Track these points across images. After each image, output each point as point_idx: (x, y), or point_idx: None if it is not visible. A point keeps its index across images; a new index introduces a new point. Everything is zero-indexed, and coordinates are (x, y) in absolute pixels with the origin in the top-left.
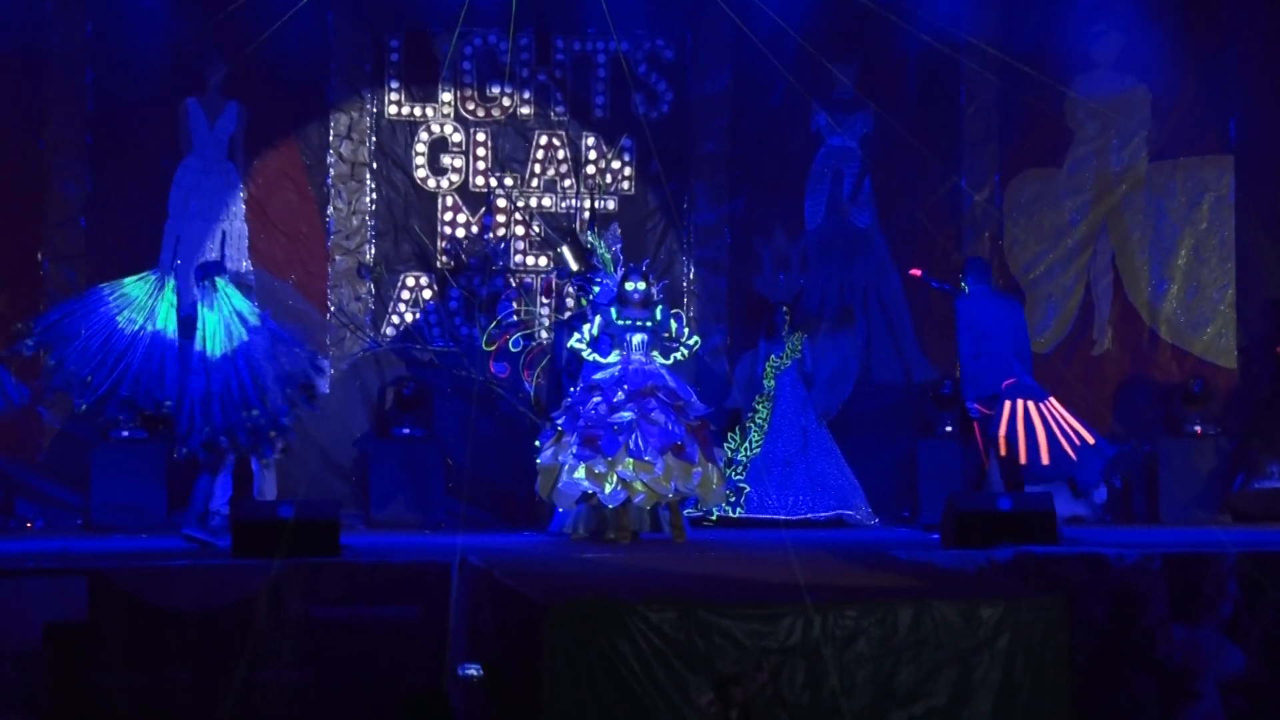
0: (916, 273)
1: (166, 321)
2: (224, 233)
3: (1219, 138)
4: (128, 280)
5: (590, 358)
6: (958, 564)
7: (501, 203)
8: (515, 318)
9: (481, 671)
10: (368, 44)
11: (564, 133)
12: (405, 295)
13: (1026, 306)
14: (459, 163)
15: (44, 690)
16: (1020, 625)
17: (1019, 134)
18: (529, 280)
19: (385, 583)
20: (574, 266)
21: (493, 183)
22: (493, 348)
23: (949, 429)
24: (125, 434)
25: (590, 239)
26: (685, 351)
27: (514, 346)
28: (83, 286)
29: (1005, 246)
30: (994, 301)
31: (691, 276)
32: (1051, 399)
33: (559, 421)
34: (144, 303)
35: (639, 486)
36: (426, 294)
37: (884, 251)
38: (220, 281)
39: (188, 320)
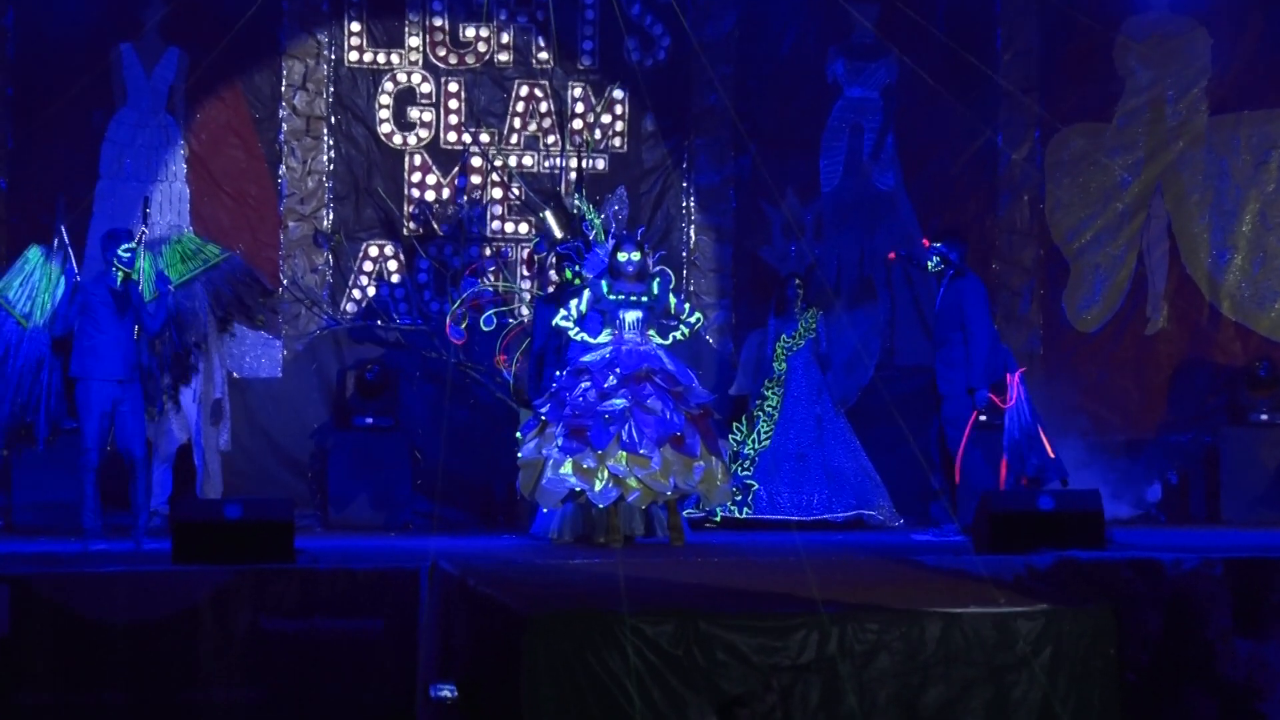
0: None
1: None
2: (160, 196)
3: None
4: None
5: (578, 337)
6: (992, 570)
7: (476, 162)
8: (492, 291)
9: (455, 692)
10: None
11: (547, 83)
12: (368, 266)
13: (1071, 278)
14: (428, 116)
15: None
16: (1063, 639)
17: (1062, 83)
18: (507, 250)
19: (346, 591)
20: (557, 234)
21: (467, 139)
22: (453, 316)
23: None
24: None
25: (577, 203)
26: (685, 330)
27: (486, 325)
28: (3, 256)
29: (1046, 211)
30: None
31: (692, 245)
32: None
33: (543, 410)
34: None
35: (633, 483)
36: (392, 265)
37: (909, 217)
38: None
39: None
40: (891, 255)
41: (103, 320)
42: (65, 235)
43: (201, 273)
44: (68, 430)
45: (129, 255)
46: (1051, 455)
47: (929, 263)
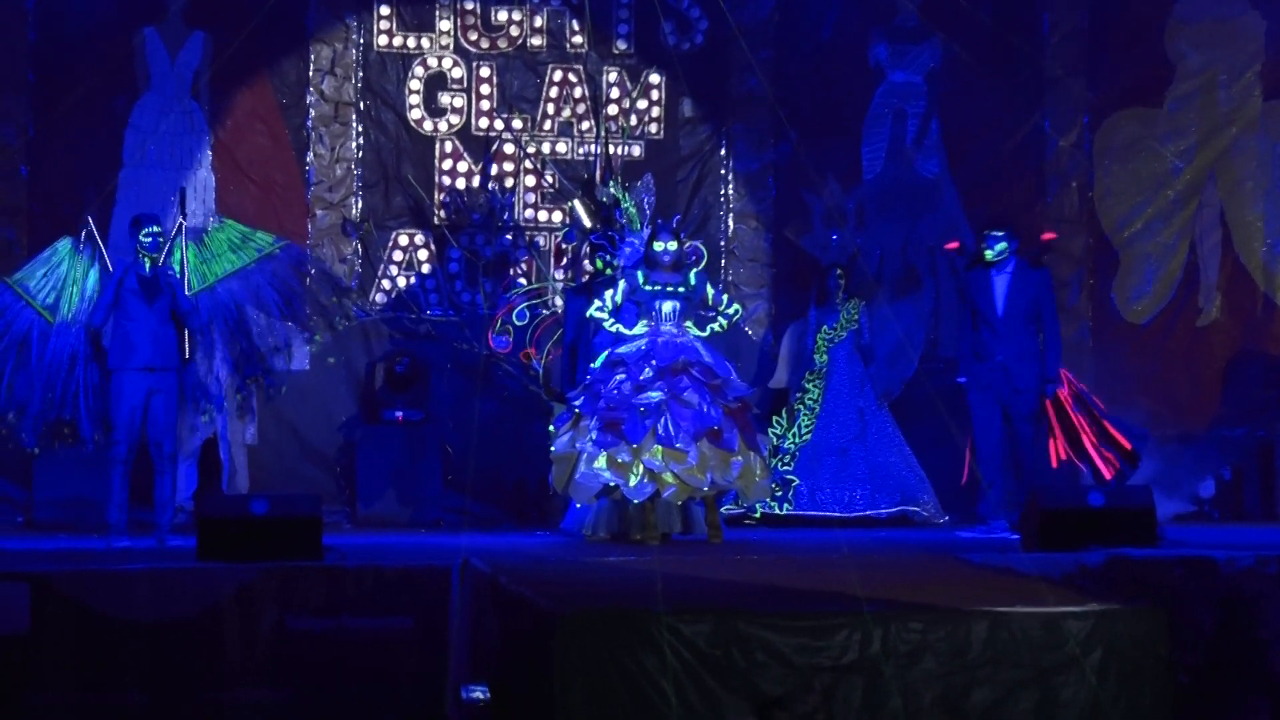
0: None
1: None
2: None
3: None
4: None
5: (613, 329)
6: (1041, 569)
7: (509, 149)
8: (523, 283)
9: (487, 694)
10: None
11: (582, 67)
12: (397, 256)
13: (1121, 268)
14: (459, 102)
15: None
16: (1113, 639)
17: (1112, 67)
18: (540, 239)
19: (374, 590)
20: (586, 224)
21: (499, 125)
22: (496, 327)
23: None
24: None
25: (612, 191)
26: (723, 322)
27: (519, 319)
28: (25, 246)
29: (1096, 199)
30: None
31: (731, 234)
32: None
33: (576, 403)
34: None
35: (669, 479)
36: (422, 255)
37: (954, 205)
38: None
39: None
40: (953, 245)
41: (132, 309)
42: (93, 226)
43: (255, 263)
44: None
45: (151, 240)
46: (1127, 447)
47: (990, 251)
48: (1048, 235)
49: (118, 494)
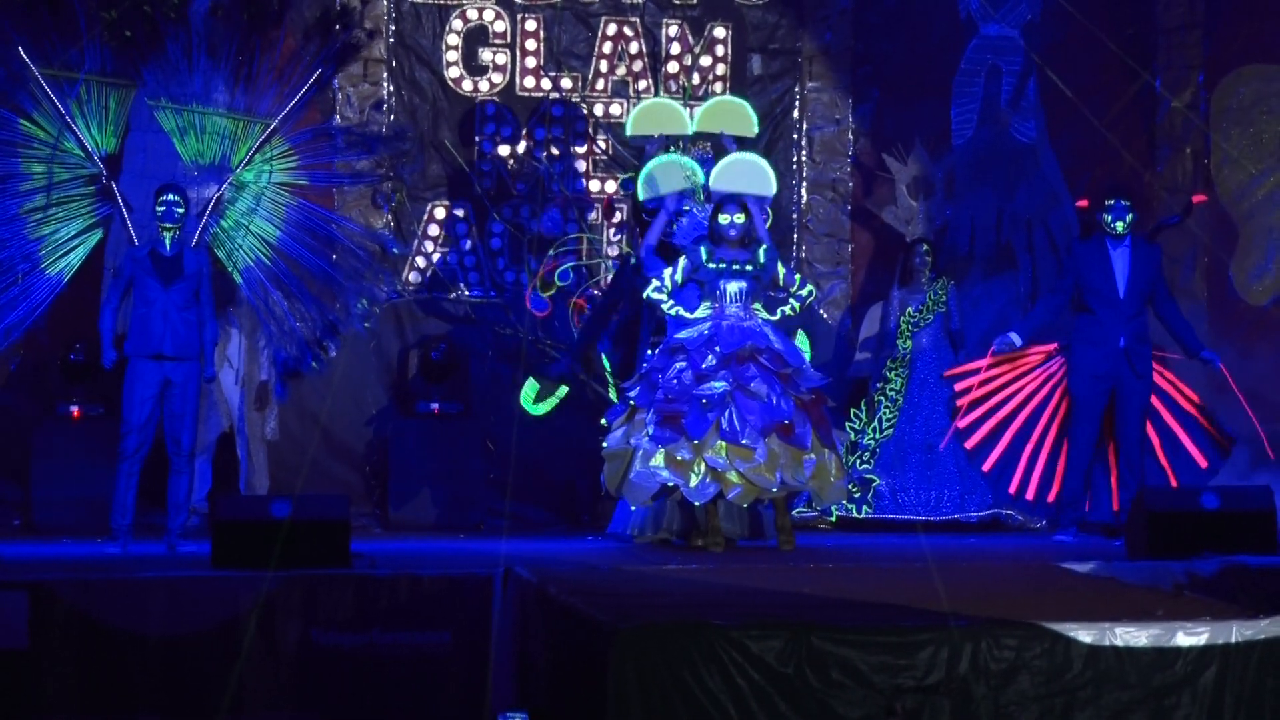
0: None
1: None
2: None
3: None
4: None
5: (672, 312)
6: (1149, 578)
7: (558, 111)
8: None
9: None
10: None
11: (638, 20)
12: (434, 231)
13: (1240, 243)
14: (502, 59)
15: None
16: (1230, 656)
17: (1230, 20)
18: (592, 213)
19: (408, 601)
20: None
21: (546, 85)
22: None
23: None
24: (75, 409)
25: (673, 158)
26: (796, 304)
27: (561, 280)
28: None
29: (1212, 166)
30: None
31: (804, 206)
32: None
33: (631, 394)
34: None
35: (734, 478)
36: (461, 229)
37: (1054, 173)
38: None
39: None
40: (1084, 203)
41: (149, 290)
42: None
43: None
44: (94, 416)
45: (165, 209)
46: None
47: (1120, 222)
48: (1199, 197)
49: (122, 493)
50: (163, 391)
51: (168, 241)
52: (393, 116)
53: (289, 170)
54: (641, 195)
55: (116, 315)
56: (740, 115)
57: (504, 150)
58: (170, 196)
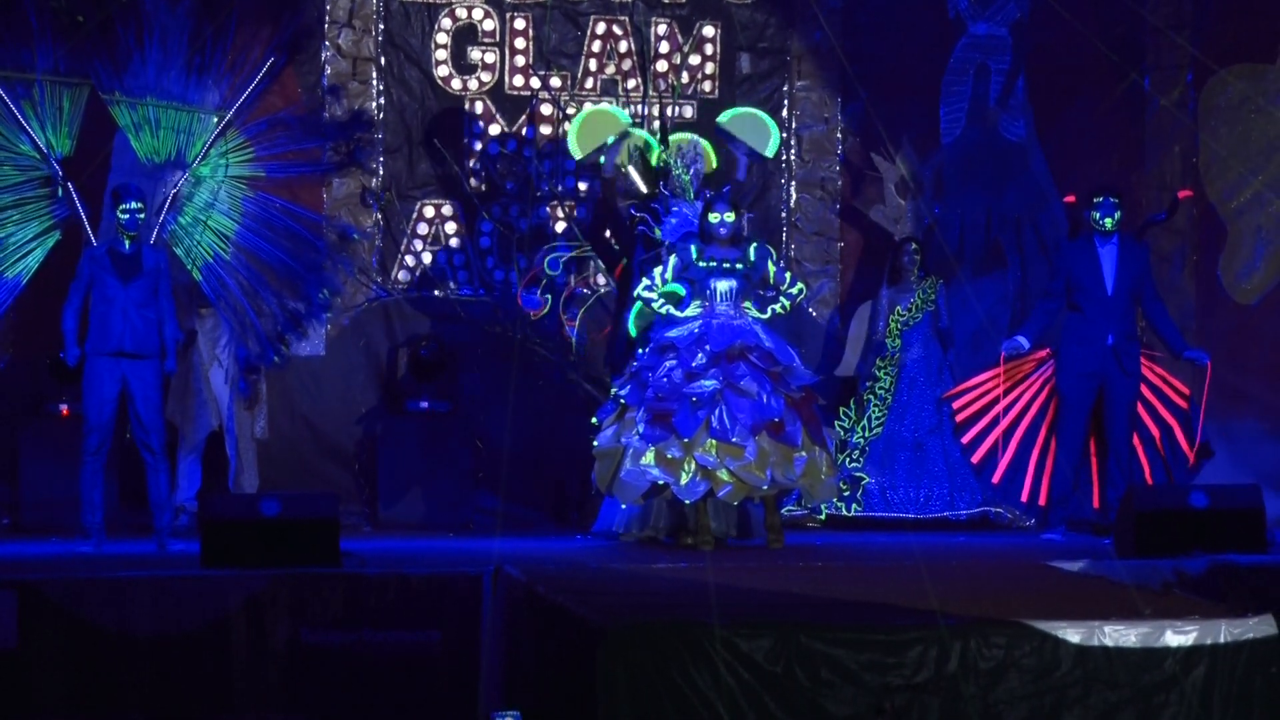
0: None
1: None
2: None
3: None
4: None
5: (663, 310)
6: (1137, 577)
7: (547, 109)
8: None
9: None
10: None
11: (627, 19)
12: (423, 229)
13: (1228, 242)
14: (492, 58)
15: None
16: (1218, 655)
17: (1219, 18)
18: (581, 211)
19: (398, 600)
20: (641, 189)
21: (535, 84)
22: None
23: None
24: (63, 408)
25: (662, 155)
26: (786, 303)
27: (551, 269)
28: None
29: (1200, 165)
30: None
31: (793, 205)
32: None
33: (621, 393)
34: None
35: (724, 477)
36: (450, 227)
37: (1043, 171)
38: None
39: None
40: (1071, 198)
41: (109, 288)
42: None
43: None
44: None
45: (128, 217)
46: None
47: (1110, 220)
48: (1184, 192)
49: (88, 491)
50: (124, 390)
51: (127, 242)
52: (382, 115)
53: (246, 162)
54: (576, 153)
55: (79, 314)
56: (763, 133)
57: (493, 149)
58: (133, 205)
